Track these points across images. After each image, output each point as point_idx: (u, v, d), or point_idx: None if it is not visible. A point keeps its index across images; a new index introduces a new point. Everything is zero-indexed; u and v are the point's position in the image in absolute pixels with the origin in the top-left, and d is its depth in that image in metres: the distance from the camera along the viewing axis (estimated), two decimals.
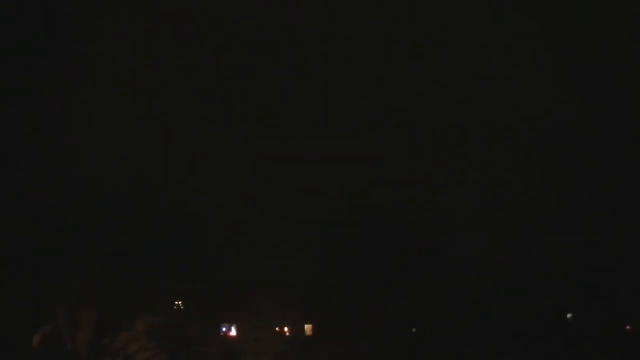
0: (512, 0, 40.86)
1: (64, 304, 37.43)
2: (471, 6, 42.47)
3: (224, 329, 46.92)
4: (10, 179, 27.31)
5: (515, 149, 41.14)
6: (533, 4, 40.53)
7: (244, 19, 41.07)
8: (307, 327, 46.58)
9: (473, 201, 41.42)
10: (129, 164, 36.95)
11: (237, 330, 47.04)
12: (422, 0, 42.38)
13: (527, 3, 40.79)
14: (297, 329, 46.63)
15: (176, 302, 45.91)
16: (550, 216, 40.47)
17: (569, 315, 40.97)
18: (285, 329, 47.53)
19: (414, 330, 44.09)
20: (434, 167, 41.16)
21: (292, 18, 42.09)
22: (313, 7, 42.37)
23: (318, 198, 41.96)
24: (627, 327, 39.16)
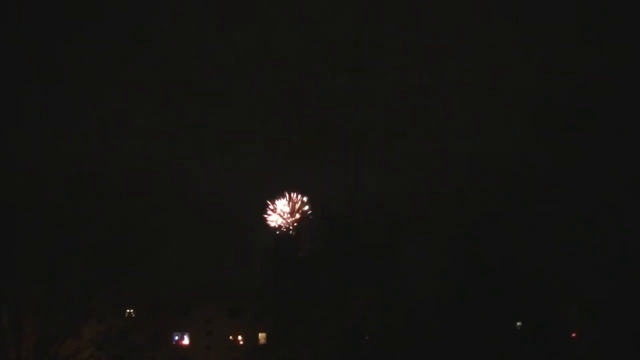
0: None
1: (7, 310, 36.77)
2: None
3: (176, 337, 46.47)
4: None
5: (467, 157, 41.62)
6: None
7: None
8: (261, 336, 46.30)
9: (424, 209, 41.71)
10: (70, 163, 36.42)
11: (190, 338, 46.63)
12: None
13: None
14: (250, 337, 46.35)
15: (128, 310, 45.41)
16: (499, 225, 40.85)
17: (518, 324, 41.30)
18: (239, 337, 47.24)
19: (366, 337, 43.96)
20: (387, 172, 41.47)
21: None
22: None
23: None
24: (572, 335, 39.72)
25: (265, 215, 59.93)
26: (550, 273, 39.30)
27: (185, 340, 46.71)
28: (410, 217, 42.00)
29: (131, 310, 44.94)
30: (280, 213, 59.67)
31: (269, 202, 59.25)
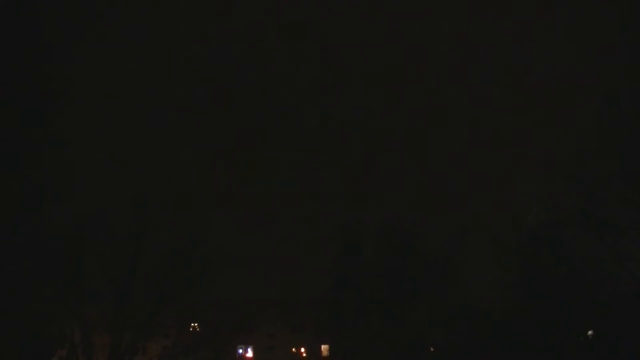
0: None
1: (80, 327, 37.60)
2: None
3: (240, 350, 46.76)
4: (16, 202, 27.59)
5: (525, 167, 40.77)
6: None
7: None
8: (324, 348, 46.24)
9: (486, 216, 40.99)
10: (134, 187, 37.01)
11: (254, 351, 46.87)
12: None
13: None
14: (313, 350, 46.35)
15: (192, 324, 45.83)
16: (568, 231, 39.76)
17: (589, 332, 39.98)
18: (302, 349, 47.28)
19: (431, 349, 43.44)
20: (444, 188, 40.96)
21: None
22: None
23: (329, 217, 41.84)
24: None
25: None
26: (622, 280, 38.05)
27: (249, 353, 46.97)
28: (471, 224, 41.44)
29: (195, 324, 45.35)
30: None
31: None
